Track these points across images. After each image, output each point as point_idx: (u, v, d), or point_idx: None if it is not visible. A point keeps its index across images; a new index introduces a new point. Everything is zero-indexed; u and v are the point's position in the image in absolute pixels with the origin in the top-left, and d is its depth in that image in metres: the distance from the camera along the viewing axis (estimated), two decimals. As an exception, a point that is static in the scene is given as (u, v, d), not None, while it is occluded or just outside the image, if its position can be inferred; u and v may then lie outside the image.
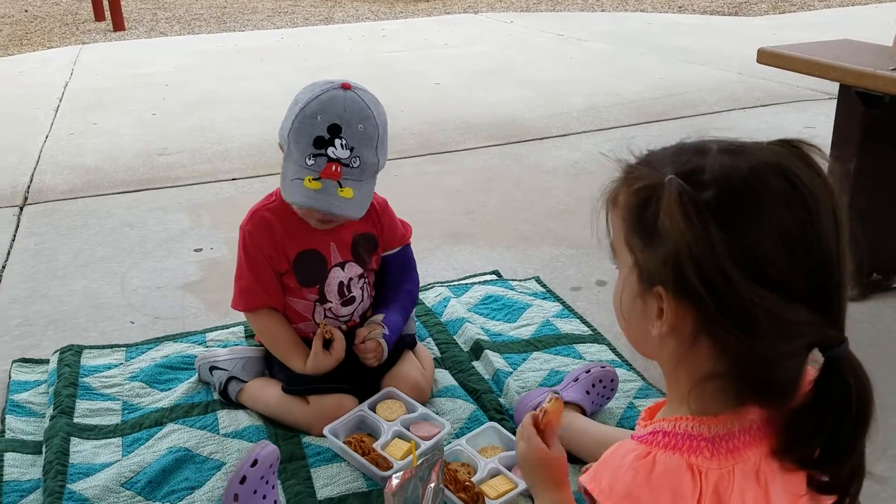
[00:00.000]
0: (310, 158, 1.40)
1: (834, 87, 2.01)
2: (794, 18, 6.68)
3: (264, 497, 1.14)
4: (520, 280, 2.13)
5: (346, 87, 1.43)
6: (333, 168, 1.39)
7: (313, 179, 1.39)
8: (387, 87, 4.42)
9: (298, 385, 1.51)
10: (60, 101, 4.31)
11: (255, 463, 1.13)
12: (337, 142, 1.39)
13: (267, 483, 1.15)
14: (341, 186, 1.39)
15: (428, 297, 2.01)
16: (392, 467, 1.36)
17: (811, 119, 3.44)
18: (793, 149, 0.73)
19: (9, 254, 2.40)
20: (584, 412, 1.48)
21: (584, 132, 3.49)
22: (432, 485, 1.17)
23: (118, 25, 7.27)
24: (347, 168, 1.40)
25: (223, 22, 7.69)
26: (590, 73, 4.68)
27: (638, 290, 0.77)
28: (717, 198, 0.68)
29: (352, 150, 1.40)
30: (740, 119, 3.60)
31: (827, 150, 2.02)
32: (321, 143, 1.39)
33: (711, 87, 4.15)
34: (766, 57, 2.04)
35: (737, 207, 0.68)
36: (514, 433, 1.45)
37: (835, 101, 2.02)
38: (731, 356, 0.72)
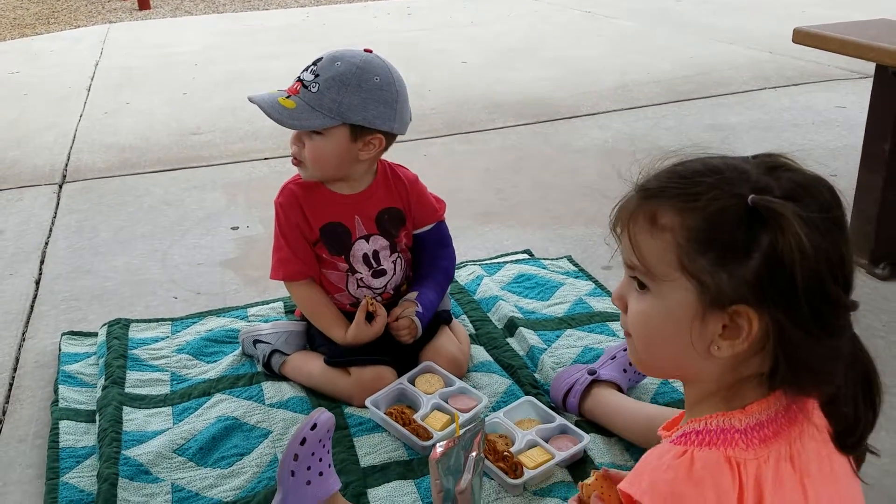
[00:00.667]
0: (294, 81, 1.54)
1: (866, 67, 2.01)
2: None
3: (320, 460, 1.20)
4: (552, 259, 2.15)
5: (367, 50, 1.54)
6: (295, 85, 1.50)
7: (274, 90, 1.53)
8: (414, 66, 4.43)
9: (340, 357, 1.56)
10: (92, 80, 4.37)
11: (314, 427, 1.18)
12: (311, 67, 1.50)
13: (323, 447, 1.20)
14: (287, 98, 1.49)
15: (461, 276, 2.04)
16: (432, 437, 1.41)
17: (842, 99, 3.41)
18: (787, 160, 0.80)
19: (51, 230, 2.46)
20: (620, 389, 1.51)
21: (615, 111, 3.49)
22: (474, 454, 1.21)
23: (143, 4, 7.32)
24: (306, 89, 1.48)
25: (247, 0, 7.71)
26: (618, 50, 4.65)
27: (696, 311, 0.76)
28: (806, 213, 0.73)
29: (316, 76, 1.48)
30: (771, 98, 3.57)
31: (861, 129, 2.03)
32: (304, 70, 1.52)
33: (742, 66, 4.11)
34: (802, 37, 2.04)
35: (823, 219, 0.73)
36: (550, 407, 1.49)
37: (866, 81, 2.02)
38: (793, 355, 0.75)
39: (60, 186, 2.84)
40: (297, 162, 1.56)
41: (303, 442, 1.17)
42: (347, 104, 1.46)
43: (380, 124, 1.50)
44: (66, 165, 3.05)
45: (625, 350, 1.53)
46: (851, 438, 0.79)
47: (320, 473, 1.20)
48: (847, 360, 0.76)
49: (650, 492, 0.74)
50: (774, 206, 0.72)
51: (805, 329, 0.73)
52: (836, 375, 0.76)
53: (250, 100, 1.51)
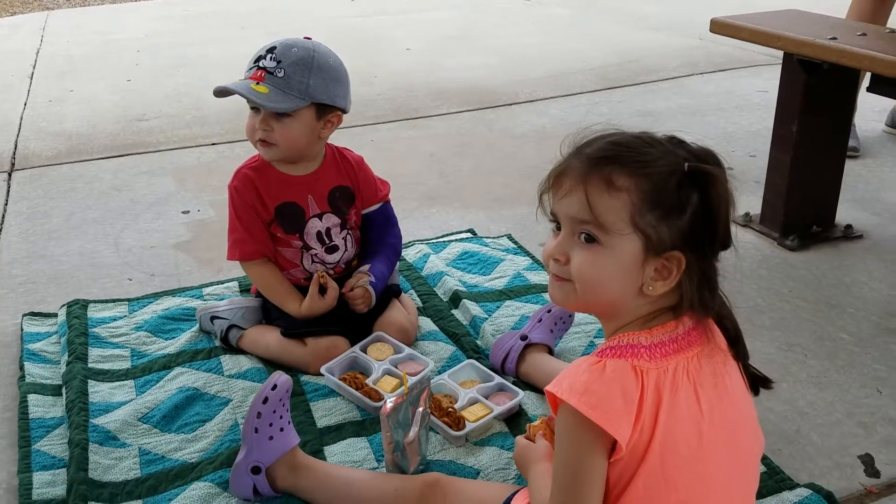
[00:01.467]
0: (247, 71, 1.62)
1: (787, 53, 2.18)
2: (753, -16, 6.85)
3: (281, 417, 1.31)
4: (493, 237, 2.29)
5: (307, 38, 1.65)
6: (259, 73, 1.60)
7: (239, 80, 1.62)
8: (359, 53, 4.50)
9: (296, 329, 1.67)
10: (34, 68, 4.33)
11: (275, 387, 1.30)
12: (269, 55, 1.61)
13: (283, 405, 1.32)
14: (258, 84, 1.59)
15: (409, 254, 2.16)
16: (383, 399, 1.53)
17: (764, 83, 3.63)
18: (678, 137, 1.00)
19: (3, 217, 2.49)
20: (550, 351, 1.66)
21: (551, 98, 3.64)
22: (421, 409, 1.34)
23: (81, -11, 7.18)
24: (271, 76, 1.59)
25: (188, -14, 7.62)
26: (554, 38, 4.80)
27: (640, 258, 0.91)
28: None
29: (279, 62, 1.59)
30: (698, 84, 3.77)
31: (773, 112, 2.21)
32: (258, 59, 1.62)
33: (672, 53, 4.31)
34: (718, 26, 2.21)
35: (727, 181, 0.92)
36: (490, 369, 1.62)
37: (787, 67, 2.18)
38: (703, 283, 0.93)
39: (10, 174, 2.85)
40: (267, 144, 1.64)
41: (265, 401, 1.29)
42: (314, 85, 1.59)
43: (339, 102, 1.65)
44: (14, 153, 3.05)
45: (549, 312, 1.68)
46: (740, 346, 1.00)
47: (281, 429, 1.31)
48: None
49: (568, 390, 0.90)
50: (707, 169, 0.90)
51: (711, 263, 0.94)
52: (715, 301, 0.96)
53: (223, 90, 1.59)
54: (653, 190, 0.90)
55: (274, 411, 1.30)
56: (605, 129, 0.98)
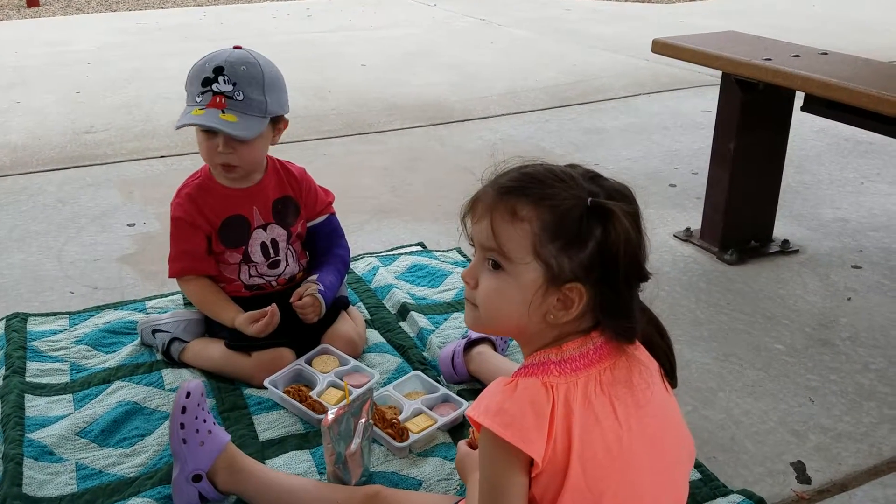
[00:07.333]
0: (199, 96, 1.58)
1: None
2: (702, 6, 7.04)
3: (204, 421, 1.32)
4: (442, 251, 2.31)
5: (237, 47, 1.64)
6: (218, 100, 1.57)
7: (199, 109, 1.57)
8: (314, 67, 4.52)
9: (241, 342, 1.66)
10: (-22, 78, 4.25)
11: (188, 394, 1.30)
12: (221, 78, 1.58)
13: (203, 409, 1.32)
14: (224, 113, 1.56)
15: (358, 267, 2.17)
16: (327, 411, 1.52)
17: (708, 104, 3.72)
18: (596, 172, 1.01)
19: (-59, 229, 2.44)
20: (494, 346, 1.68)
21: (503, 115, 3.69)
22: (363, 420, 1.35)
23: (32, 1, 7.07)
24: (231, 100, 1.57)
25: (142, -2, 7.55)
26: (509, 58, 4.88)
27: (541, 286, 0.93)
28: (630, 212, 0.94)
29: (234, 84, 1.57)
30: (644, 103, 3.86)
31: (713, 130, 2.28)
32: (207, 82, 1.58)
33: (620, 73, 4.41)
34: (660, 47, 2.27)
35: (634, 215, 0.94)
36: (435, 380, 1.64)
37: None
38: (610, 314, 0.94)
39: (-52, 185, 2.79)
40: (230, 167, 1.63)
41: (183, 410, 1.29)
42: (269, 101, 1.60)
43: (287, 109, 1.67)
44: (-46, 164, 2.99)
45: None
46: (672, 377, 1.03)
47: (209, 432, 1.31)
48: (641, 314, 0.98)
49: (484, 412, 0.93)
50: (608, 205, 0.92)
51: (620, 295, 0.94)
52: (638, 325, 0.98)
53: (190, 125, 1.56)
54: (554, 221, 0.91)
55: (196, 417, 1.30)
56: (526, 159, 1.00)
